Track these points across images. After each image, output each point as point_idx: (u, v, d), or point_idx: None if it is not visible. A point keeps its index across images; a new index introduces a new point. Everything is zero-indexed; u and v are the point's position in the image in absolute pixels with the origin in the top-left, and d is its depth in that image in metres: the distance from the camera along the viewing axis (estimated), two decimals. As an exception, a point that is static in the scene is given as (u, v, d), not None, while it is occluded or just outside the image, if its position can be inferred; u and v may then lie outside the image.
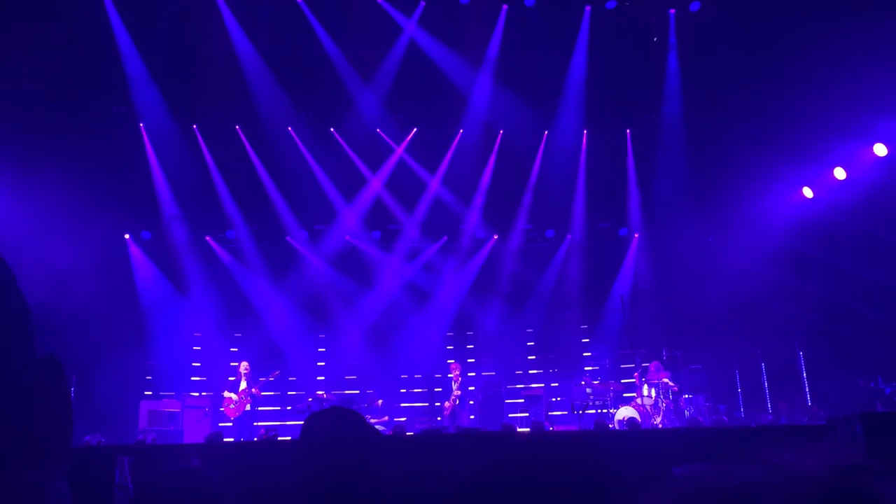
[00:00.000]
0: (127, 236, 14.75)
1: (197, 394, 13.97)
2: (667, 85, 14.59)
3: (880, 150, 11.76)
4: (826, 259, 12.53)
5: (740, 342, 14.31)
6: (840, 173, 12.57)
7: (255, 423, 12.43)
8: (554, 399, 14.85)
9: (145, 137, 14.20)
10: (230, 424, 12.29)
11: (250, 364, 12.66)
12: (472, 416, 13.71)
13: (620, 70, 14.59)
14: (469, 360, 15.57)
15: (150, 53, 13.48)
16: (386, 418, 12.91)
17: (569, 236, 16.22)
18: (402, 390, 15.34)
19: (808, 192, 13.35)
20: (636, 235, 16.16)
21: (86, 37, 12.90)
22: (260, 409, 12.95)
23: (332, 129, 15.08)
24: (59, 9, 12.29)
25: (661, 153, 14.98)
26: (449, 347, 15.97)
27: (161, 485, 1.62)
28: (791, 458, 0.63)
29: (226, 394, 12.36)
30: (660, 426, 11.74)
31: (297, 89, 14.38)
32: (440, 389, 14.17)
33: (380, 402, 13.22)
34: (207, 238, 15.22)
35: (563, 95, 14.87)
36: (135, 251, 14.77)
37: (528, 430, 10.99)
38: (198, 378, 14.80)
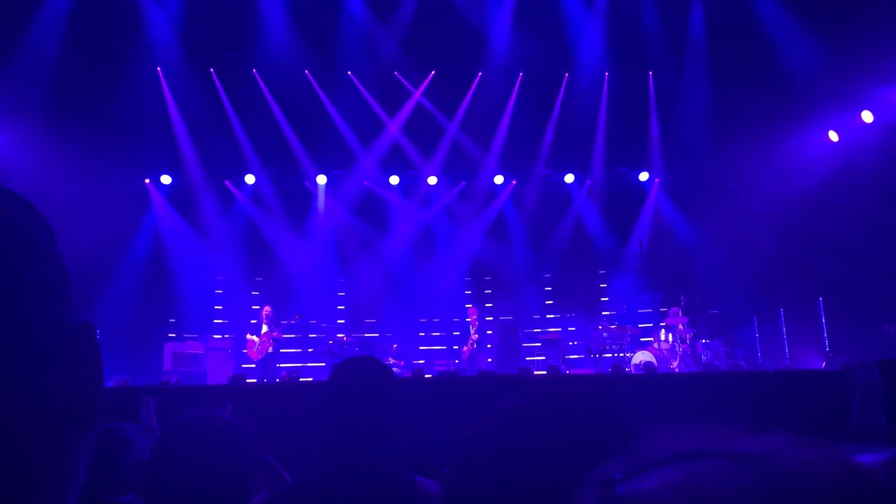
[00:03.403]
0: (147, 181, 14.83)
1: (220, 336, 14.24)
2: (691, 26, 14.18)
3: (911, 92, 11.46)
4: (850, 204, 12.35)
5: (759, 287, 14.27)
6: (867, 116, 12.29)
7: (277, 365, 12.67)
8: (571, 343, 14.96)
9: (163, 81, 14.12)
10: (253, 366, 12.55)
11: (272, 308, 12.86)
12: (489, 360, 13.88)
13: (644, 10, 14.18)
14: (486, 305, 15.67)
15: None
16: (402, 363, 13.10)
17: (588, 181, 16.08)
18: (421, 334, 15.52)
19: (833, 136, 13.08)
20: (657, 180, 15.99)
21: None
22: (282, 351, 13.17)
23: (348, 73, 14.90)
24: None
25: (684, 97, 14.67)
26: (467, 292, 16.07)
27: (189, 428, 1.60)
28: (792, 455, 0.49)
29: (248, 336, 12.59)
30: (676, 370, 11.82)
31: (313, 32, 14.16)
32: (458, 333, 14.32)
33: (395, 346, 13.42)
34: (227, 182, 15.27)
35: (585, 37, 14.52)
36: (155, 195, 14.88)
37: (544, 373, 11.13)
38: (220, 321, 15.06)
